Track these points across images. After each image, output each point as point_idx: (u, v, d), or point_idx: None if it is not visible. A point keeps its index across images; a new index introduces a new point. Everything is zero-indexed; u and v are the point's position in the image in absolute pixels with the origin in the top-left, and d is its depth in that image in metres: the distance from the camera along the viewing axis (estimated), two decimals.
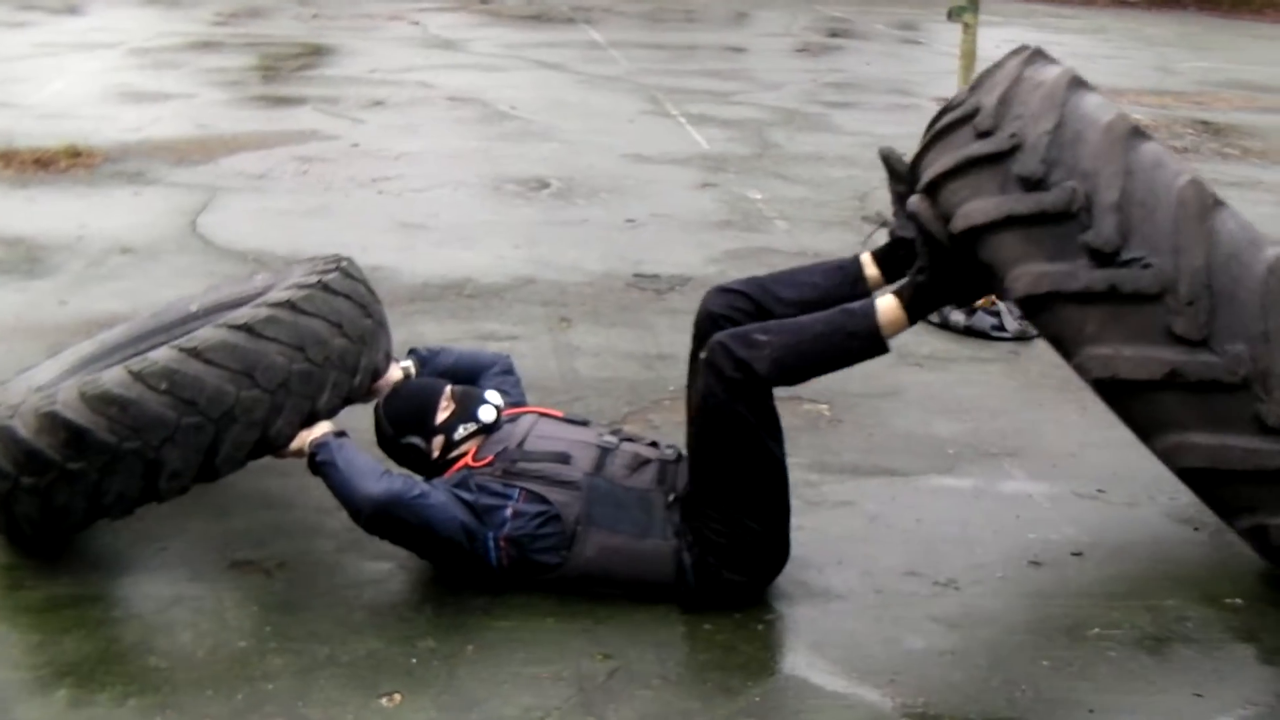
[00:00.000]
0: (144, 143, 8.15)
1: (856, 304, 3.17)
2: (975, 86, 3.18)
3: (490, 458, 3.22)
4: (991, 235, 2.98)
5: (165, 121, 8.80)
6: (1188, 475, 2.96)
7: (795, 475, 3.80)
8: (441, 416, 3.31)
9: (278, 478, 3.73)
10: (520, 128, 9.08)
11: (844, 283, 3.38)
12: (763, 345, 3.07)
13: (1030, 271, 2.94)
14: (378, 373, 3.46)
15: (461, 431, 3.29)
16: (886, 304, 3.14)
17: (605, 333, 5.11)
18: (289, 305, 3.25)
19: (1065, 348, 2.99)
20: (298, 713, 2.76)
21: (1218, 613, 3.27)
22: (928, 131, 3.24)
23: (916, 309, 3.14)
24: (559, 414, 3.46)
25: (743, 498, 3.13)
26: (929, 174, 3.13)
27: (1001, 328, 5.13)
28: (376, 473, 3.11)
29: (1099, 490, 3.90)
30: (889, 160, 3.43)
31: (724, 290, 3.41)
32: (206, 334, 3.17)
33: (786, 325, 3.13)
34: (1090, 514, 3.77)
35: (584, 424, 3.42)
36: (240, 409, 3.12)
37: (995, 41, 11.57)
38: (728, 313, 3.34)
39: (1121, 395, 2.95)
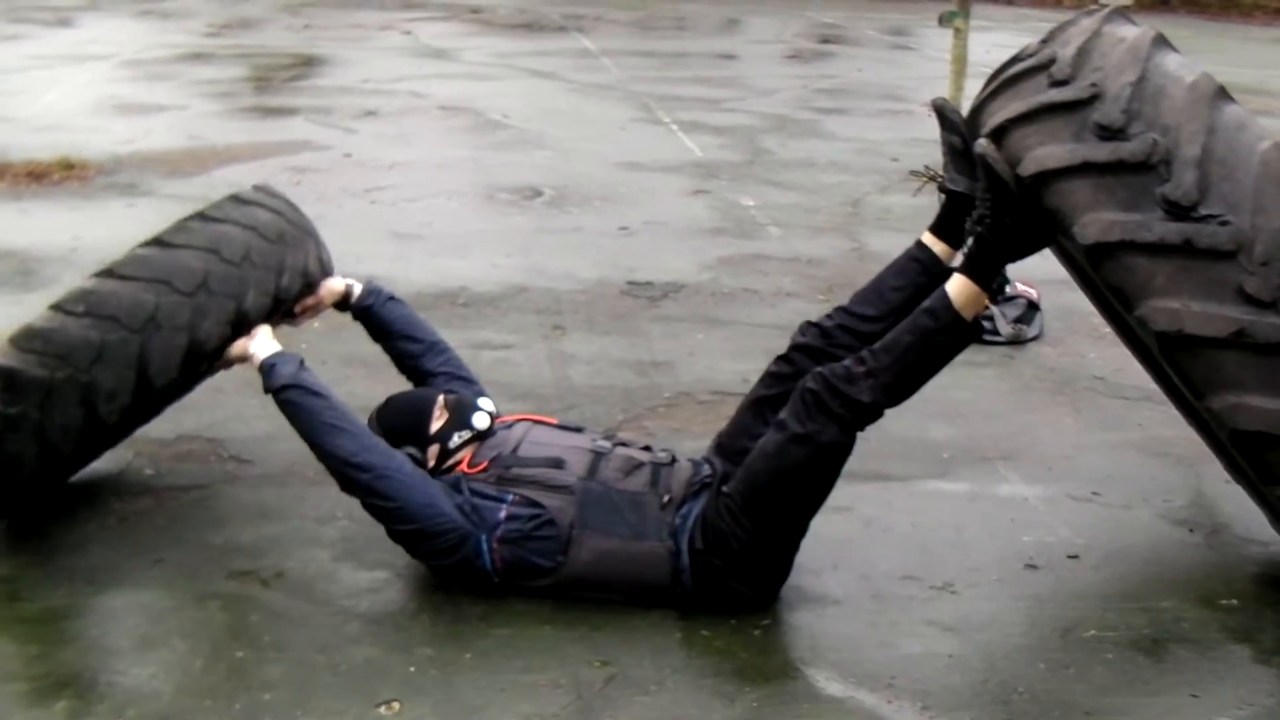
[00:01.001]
0: (137, 155, 8.15)
1: (930, 301, 3.17)
2: (1048, 40, 3.19)
3: (485, 464, 3.23)
4: (1062, 181, 2.98)
5: (158, 133, 8.80)
6: (1239, 438, 2.96)
7: None
8: (435, 425, 3.32)
9: (275, 489, 3.74)
10: (513, 136, 9.09)
11: (920, 273, 3.41)
12: (861, 377, 3.09)
13: (1102, 219, 2.93)
14: (310, 276, 3.48)
15: (456, 439, 3.30)
16: (956, 286, 3.14)
17: (599, 340, 5.12)
18: (198, 215, 3.29)
19: (1128, 299, 2.97)
20: None
21: (1213, 614, 3.28)
22: (991, 81, 3.25)
23: (982, 271, 3.13)
24: (553, 420, 3.47)
25: (783, 518, 3.15)
26: (997, 118, 3.13)
27: (995, 332, 5.14)
28: (353, 428, 3.13)
29: (1094, 493, 3.91)
30: (942, 111, 3.43)
31: (821, 330, 3.42)
32: (119, 255, 3.21)
33: (877, 351, 3.13)
34: (1085, 516, 3.77)
35: (578, 430, 3.43)
36: (162, 315, 3.14)
37: (985, 47, 11.61)
38: (830, 350, 3.36)
39: (1183, 351, 2.93)
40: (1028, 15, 19.31)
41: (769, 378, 3.44)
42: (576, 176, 7.89)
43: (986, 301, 3.16)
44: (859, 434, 3.15)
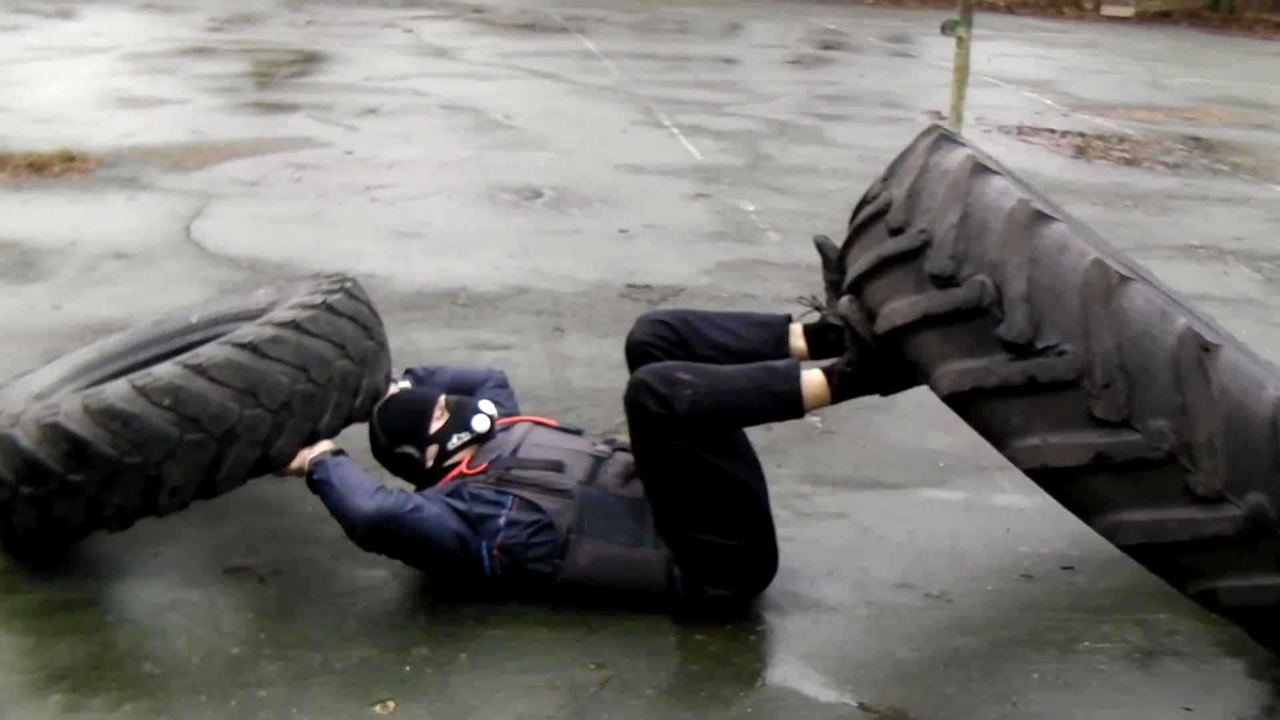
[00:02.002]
0: (138, 148, 8.16)
1: (782, 365, 3.15)
2: (888, 176, 3.14)
3: (484, 465, 3.24)
4: (913, 335, 2.93)
5: (159, 127, 8.81)
6: (1132, 551, 2.94)
7: (787, 487, 3.85)
8: (435, 426, 3.33)
9: (272, 484, 3.71)
10: (514, 137, 9.10)
11: (769, 341, 3.39)
12: (684, 385, 3.06)
13: (952, 370, 2.89)
14: (378, 394, 3.46)
15: (455, 441, 3.31)
16: (813, 378, 3.11)
17: (598, 343, 5.12)
18: (294, 325, 3.26)
19: (996, 441, 2.94)
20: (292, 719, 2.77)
21: (1207, 627, 3.29)
22: (851, 222, 3.19)
23: (841, 395, 3.13)
24: (553, 423, 3.48)
25: (704, 517, 3.14)
26: (852, 273, 3.10)
27: None
28: (370, 490, 3.11)
29: None
30: (823, 249, 3.43)
31: (651, 320, 3.43)
32: (212, 351, 3.17)
33: (710, 371, 3.12)
34: (1081, 528, 3.70)
35: (577, 433, 3.44)
36: (243, 428, 3.13)
37: (987, 55, 11.65)
38: (651, 340, 3.36)
39: (1055, 483, 2.91)
40: (1029, 24, 19.36)
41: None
42: (577, 178, 7.90)
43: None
44: (700, 433, 3.11)
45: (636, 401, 3.08)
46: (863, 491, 3.90)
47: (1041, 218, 2.91)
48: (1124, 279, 2.85)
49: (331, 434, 3.30)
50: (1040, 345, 2.81)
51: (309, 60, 12.18)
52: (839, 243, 3.31)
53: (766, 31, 16.89)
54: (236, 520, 3.58)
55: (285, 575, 3.33)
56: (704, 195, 7.64)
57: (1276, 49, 18.48)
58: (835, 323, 3.34)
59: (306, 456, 3.22)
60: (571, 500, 3.17)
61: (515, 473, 3.21)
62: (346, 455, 3.24)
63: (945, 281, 2.88)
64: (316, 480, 3.17)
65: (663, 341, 3.35)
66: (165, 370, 3.14)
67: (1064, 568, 3.55)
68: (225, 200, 7.04)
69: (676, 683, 2.96)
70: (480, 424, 3.33)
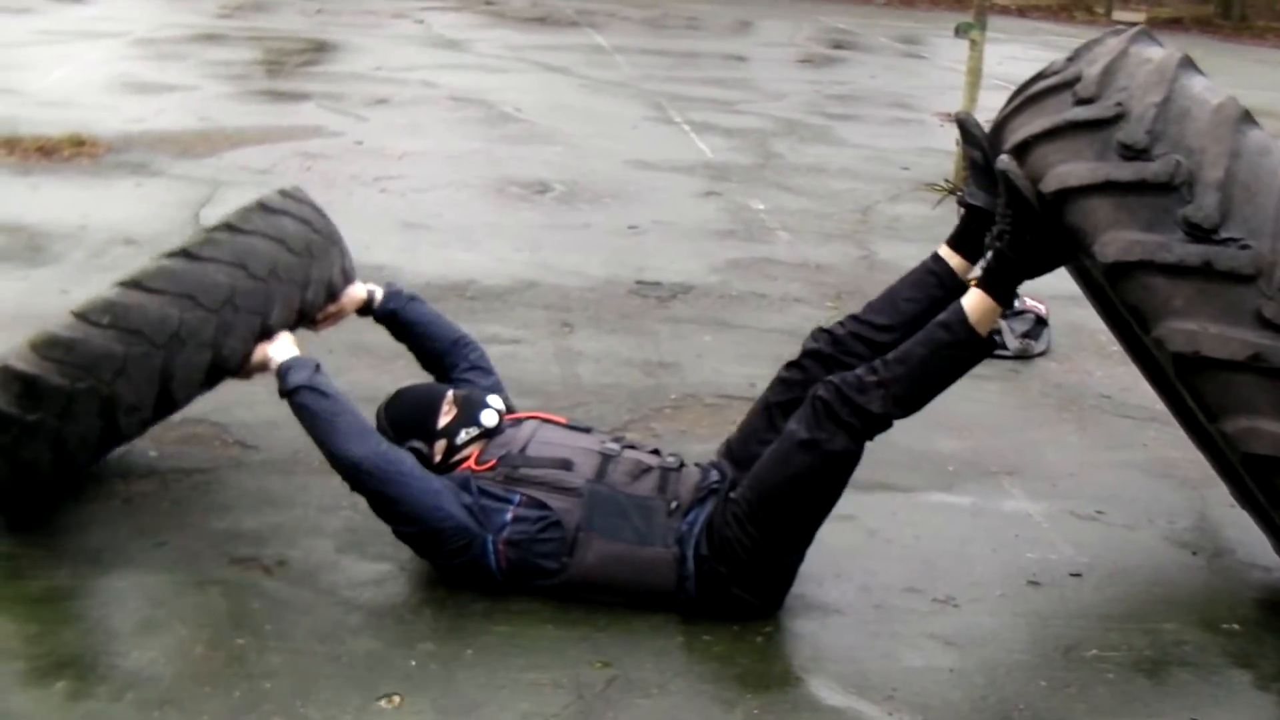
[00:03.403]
0: (147, 134, 8.14)
1: (945, 314, 3.17)
2: (1073, 58, 3.20)
3: (493, 462, 3.22)
4: (1084, 199, 2.98)
5: (169, 113, 8.79)
6: (1251, 462, 2.96)
7: None
8: (443, 420, 3.31)
9: (280, 476, 3.73)
10: (524, 130, 9.08)
11: (935, 285, 3.41)
12: (873, 387, 3.09)
13: (1122, 238, 2.93)
14: (333, 287, 3.46)
15: (464, 436, 3.29)
16: (972, 300, 3.14)
17: (607, 339, 5.11)
18: (225, 226, 3.25)
19: (1145, 319, 2.97)
20: (297, 712, 2.75)
21: (1214, 638, 3.28)
22: (1015, 96, 3.25)
23: (999, 287, 3.13)
24: (562, 420, 3.46)
25: (789, 525, 3.15)
26: (1020, 134, 3.13)
27: (1002, 346, 5.14)
28: (361, 431, 3.11)
29: (1098, 511, 3.91)
30: (965, 124, 3.43)
31: (833, 337, 3.41)
32: (145, 264, 3.17)
33: (890, 361, 3.14)
34: (1089, 535, 3.77)
35: (586, 431, 3.42)
36: (187, 331, 3.12)
37: (998, 58, 11.62)
38: (841, 358, 3.35)
39: (1198, 373, 2.94)
40: (1041, 28, 19.33)
41: (780, 384, 3.43)
42: (587, 173, 7.88)
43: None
44: (867, 443, 3.15)
45: (829, 408, 3.08)
46: (870, 494, 3.88)
47: (1249, 119, 3.01)
48: None
49: (285, 327, 3.29)
50: (1224, 235, 2.88)
51: (319, 49, 12.16)
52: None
53: (777, 29, 16.88)
54: (243, 512, 3.57)
55: (291, 567, 3.32)
56: (714, 193, 7.63)
57: None
58: (973, 202, 3.38)
59: (268, 353, 3.23)
60: (580, 498, 3.16)
61: (523, 471, 3.20)
62: (321, 366, 3.22)
63: (1136, 153, 2.95)
64: (300, 404, 3.14)
65: (853, 357, 3.32)
66: (101, 292, 3.13)
67: (1072, 574, 3.53)
68: (235, 188, 7.01)
69: (682, 683, 2.95)
70: (489, 419, 3.32)
